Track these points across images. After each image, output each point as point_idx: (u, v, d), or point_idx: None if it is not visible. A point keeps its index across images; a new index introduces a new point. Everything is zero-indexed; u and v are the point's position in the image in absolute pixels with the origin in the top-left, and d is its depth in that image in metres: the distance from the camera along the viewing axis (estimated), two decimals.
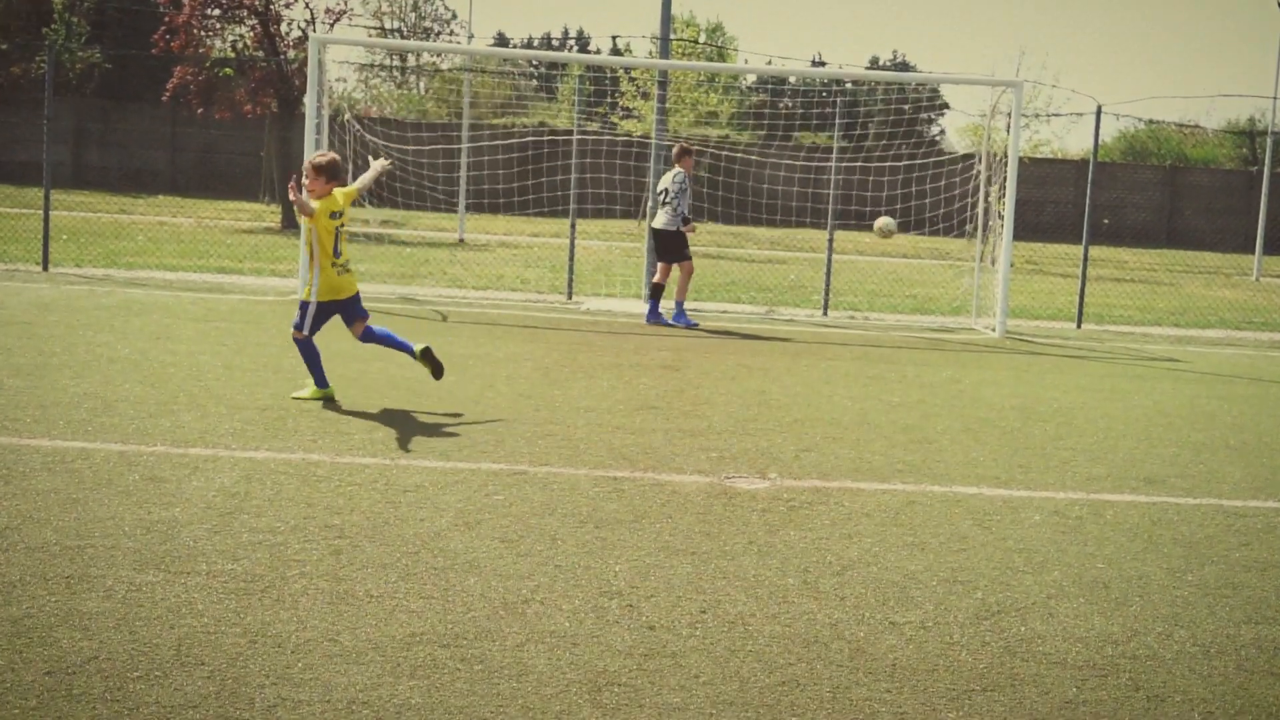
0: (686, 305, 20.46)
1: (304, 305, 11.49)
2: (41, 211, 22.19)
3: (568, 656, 5.79)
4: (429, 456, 9.46)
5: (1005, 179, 21.01)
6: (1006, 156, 21.24)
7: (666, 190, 19.32)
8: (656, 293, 19.59)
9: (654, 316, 19.42)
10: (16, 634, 5.67)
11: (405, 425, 10.51)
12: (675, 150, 19.63)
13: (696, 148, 40.82)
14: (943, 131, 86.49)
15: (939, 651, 6.11)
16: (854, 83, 60.87)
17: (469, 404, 11.61)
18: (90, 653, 5.53)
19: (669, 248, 19.36)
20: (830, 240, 23.14)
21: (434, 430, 10.38)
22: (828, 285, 22.67)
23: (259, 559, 6.89)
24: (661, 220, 19.36)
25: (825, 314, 22.00)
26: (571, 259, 22.76)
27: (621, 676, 5.61)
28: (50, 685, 5.19)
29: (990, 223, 22.17)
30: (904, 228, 26.40)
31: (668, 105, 25.36)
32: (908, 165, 30.14)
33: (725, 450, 10.25)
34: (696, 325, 19.19)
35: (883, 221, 19.12)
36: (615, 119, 46.90)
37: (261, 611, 6.12)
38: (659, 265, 19.63)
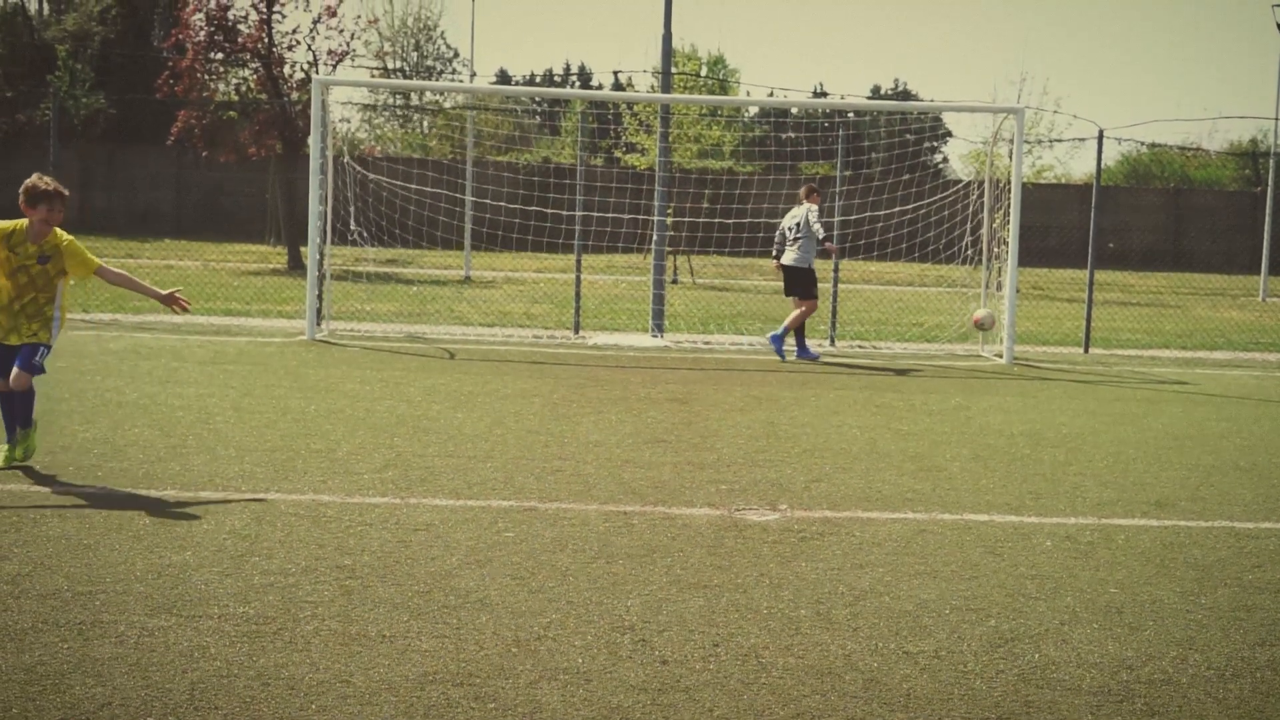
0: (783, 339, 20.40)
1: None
2: None
3: (581, 693, 5.78)
4: (438, 495, 9.46)
5: (1009, 205, 21.03)
6: (1010, 183, 21.28)
7: (796, 226, 19.71)
8: (802, 328, 19.92)
9: (803, 352, 19.77)
10: (30, 681, 5.66)
11: (414, 464, 10.51)
12: (804, 189, 20.16)
13: (697, 178, 41.01)
14: (945, 159, 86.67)
15: (953, 680, 6.09)
16: (856, 113, 61.01)
17: (477, 441, 11.61)
18: (104, 699, 5.52)
19: (798, 284, 19.75)
20: (835, 270, 23.16)
21: (443, 468, 10.38)
22: (834, 315, 22.69)
23: (271, 601, 6.88)
24: (790, 257, 19.79)
25: (832, 344, 22.01)
26: (578, 294, 22.79)
27: (635, 712, 5.60)
28: None
29: (995, 249, 22.19)
30: (908, 255, 26.33)
31: (671, 138, 25.42)
32: (912, 194, 30.18)
33: (735, 482, 10.24)
34: (783, 357, 19.52)
35: (983, 315, 20.38)
36: (619, 153, 47.02)
37: (274, 654, 6.11)
38: (807, 302, 19.84)
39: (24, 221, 9.72)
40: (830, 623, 6.87)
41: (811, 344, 20.49)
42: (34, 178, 9.78)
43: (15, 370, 9.77)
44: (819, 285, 20.06)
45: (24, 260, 9.72)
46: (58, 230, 9.87)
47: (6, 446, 9.87)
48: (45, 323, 9.94)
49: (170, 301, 10.13)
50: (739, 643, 6.50)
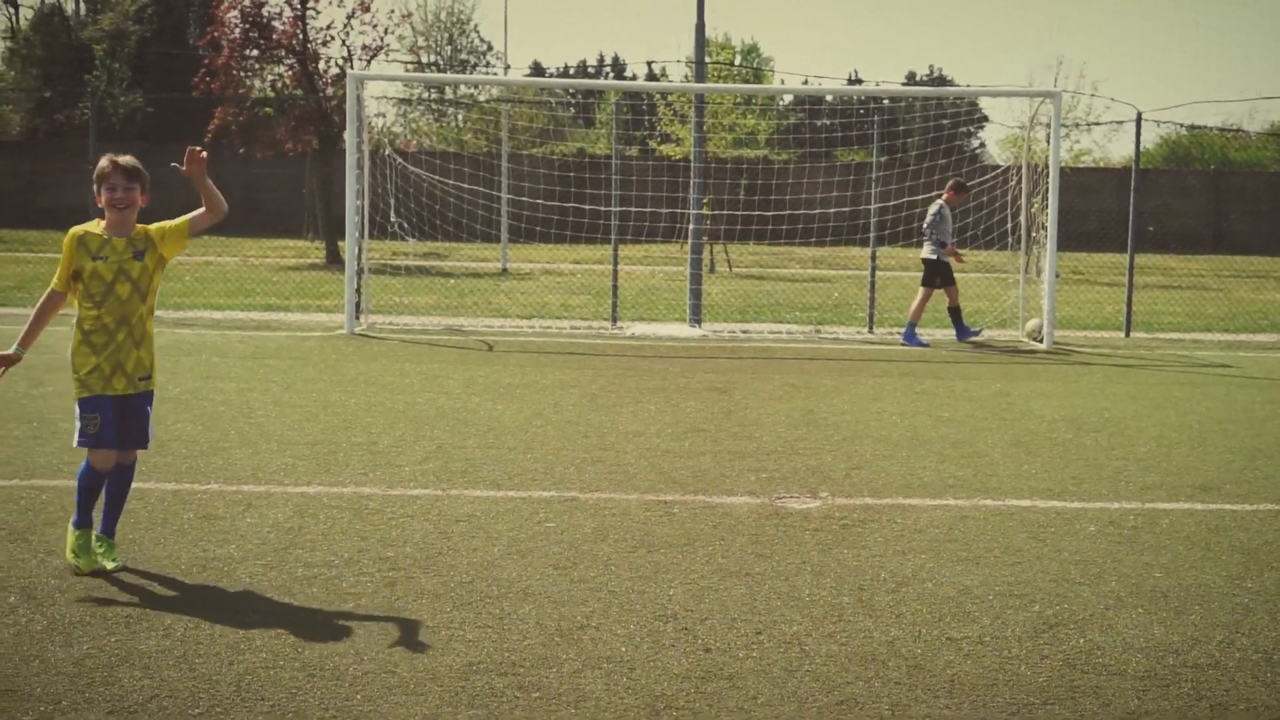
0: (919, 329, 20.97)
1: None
2: None
3: (625, 681, 5.79)
4: (479, 486, 9.49)
5: (1047, 190, 20.94)
6: (1047, 167, 21.17)
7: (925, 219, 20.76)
8: (955, 315, 20.71)
9: (963, 335, 20.63)
10: (79, 674, 5.71)
11: (455, 456, 10.54)
12: (951, 182, 21.03)
13: (732, 168, 40.92)
14: (982, 144, 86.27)
15: (997, 666, 6.08)
16: (891, 99, 60.82)
17: (517, 432, 11.63)
18: (151, 691, 5.56)
19: (931, 274, 20.56)
20: (873, 257, 23.09)
21: (484, 460, 10.40)
22: (872, 302, 22.63)
23: (314, 593, 6.92)
24: (925, 250, 20.69)
25: (871, 331, 21.95)
26: (615, 285, 22.79)
27: (679, 700, 5.60)
28: None
29: (1034, 234, 22.09)
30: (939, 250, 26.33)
31: (706, 128, 25.38)
32: (949, 179, 30.06)
33: (775, 471, 10.24)
34: (927, 345, 20.00)
35: (1033, 325, 20.75)
36: (654, 144, 46.97)
37: (319, 645, 6.14)
38: (949, 290, 20.64)
39: (95, 224, 7.43)
40: (873, 609, 6.86)
41: (878, 332, 20.47)
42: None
43: (127, 451, 7.53)
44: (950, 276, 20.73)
45: (120, 262, 7.31)
46: (139, 226, 7.54)
47: (102, 546, 7.36)
48: (151, 351, 7.53)
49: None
50: (781, 630, 6.50)
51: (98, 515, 7.46)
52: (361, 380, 14.63)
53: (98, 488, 7.42)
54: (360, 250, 20.62)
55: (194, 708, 5.40)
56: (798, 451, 11.04)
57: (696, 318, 22.33)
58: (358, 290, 20.43)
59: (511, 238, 37.44)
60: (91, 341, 7.29)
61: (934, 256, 20.49)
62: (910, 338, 20.31)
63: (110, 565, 7.22)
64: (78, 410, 7.29)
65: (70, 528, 7.37)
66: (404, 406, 12.90)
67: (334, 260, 35.71)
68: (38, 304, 7.40)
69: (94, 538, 7.36)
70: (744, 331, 21.61)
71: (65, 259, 7.34)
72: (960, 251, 20.92)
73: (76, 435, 7.30)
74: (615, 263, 23.04)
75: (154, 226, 7.53)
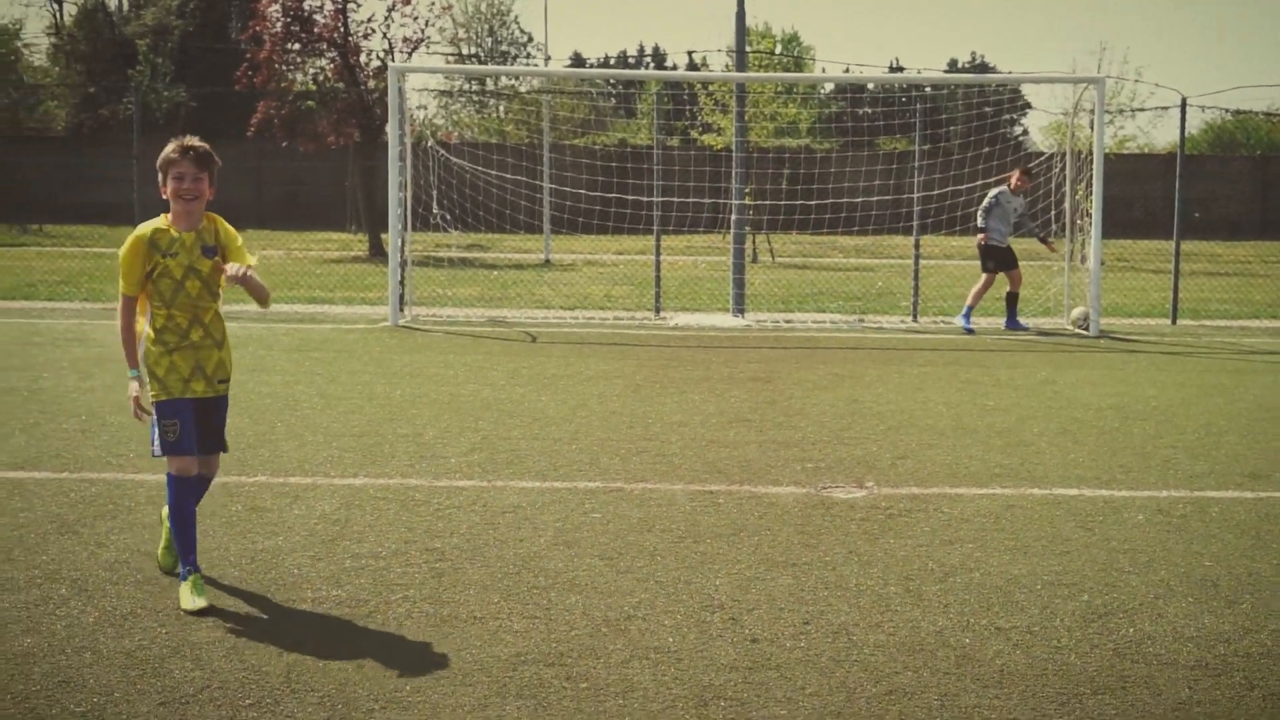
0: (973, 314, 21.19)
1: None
2: None
3: (672, 672, 5.79)
4: (525, 477, 9.50)
5: (1091, 176, 20.83)
6: (1091, 154, 21.06)
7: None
8: (1010, 302, 20.83)
9: (1012, 324, 20.70)
10: (130, 665, 5.75)
11: (500, 447, 10.56)
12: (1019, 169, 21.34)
13: (774, 157, 40.85)
14: (1025, 131, 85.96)
15: (1047, 656, 6.05)
16: (933, 87, 60.58)
17: (561, 423, 11.65)
18: (202, 682, 5.59)
19: (984, 259, 20.75)
20: (916, 245, 23.02)
21: (529, 451, 10.42)
22: (916, 291, 22.55)
23: (362, 584, 6.94)
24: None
25: (915, 319, 21.87)
26: (658, 275, 22.78)
27: (727, 690, 5.60)
28: (165, 715, 5.26)
29: (1078, 221, 21.97)
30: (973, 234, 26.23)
31: (747, 117, 25.32)
32: (993, 167, 29.91)
33: (821, 460, 10.22)
34: (971, 332, 20.15)
35: (1079, 312, 20.68)
36: (695, 133, 46.92)
37: (367, 636, 6.17)
38: (1009, 275, 20.75)
39: (160, 218, 6.86)
40: (920, 599, 6.84)
41: (924, 319, 20.43)
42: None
43: (207, 459, 7.06)
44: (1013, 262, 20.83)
45: (190, 259, 6.77)
46: (208, 216, 6.94)
47: (191, 580, 6.66)
48: (230, 353, 7.09)
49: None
50: (829, 620, 6.49)
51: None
52: (406, 372, 14.67)
53: (189, 509, 6.77)
54: (403, 242, 20.67)
55: (244, 699, 5.43)
56: (843, 441, 11.01)
57: (740, 308, 22.29)
58: (401, 282, 20.49)
59: (554, 229, 37.48)
60: (164, 340, 6.75)
61: (992, 243, 20.57)
62: (964, 318, 20.51)
63: (201, 603, 6.51)
64: (155, 415, 6.75)
65: (181, 582, 6.65)
66: (449, 398, 12.93)
67: (377, 253, 35.82)
68: (119, 320, 6.80)
69: (192, 580, 6.61)
70: (787, 321, 21.57)
71: (134, 263, 6.69)
72: (1005, 239, 20.90)
73: (154, 443, 6.77)
74: (658, 253, 23.03)
75: (224, 226, 6.90)
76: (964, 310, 20.64)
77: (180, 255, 6.75)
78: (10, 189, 47.18)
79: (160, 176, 6.74)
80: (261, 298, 6.90)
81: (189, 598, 6.54)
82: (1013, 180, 20.76)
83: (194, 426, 6.84)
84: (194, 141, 6.77)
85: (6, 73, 61.28)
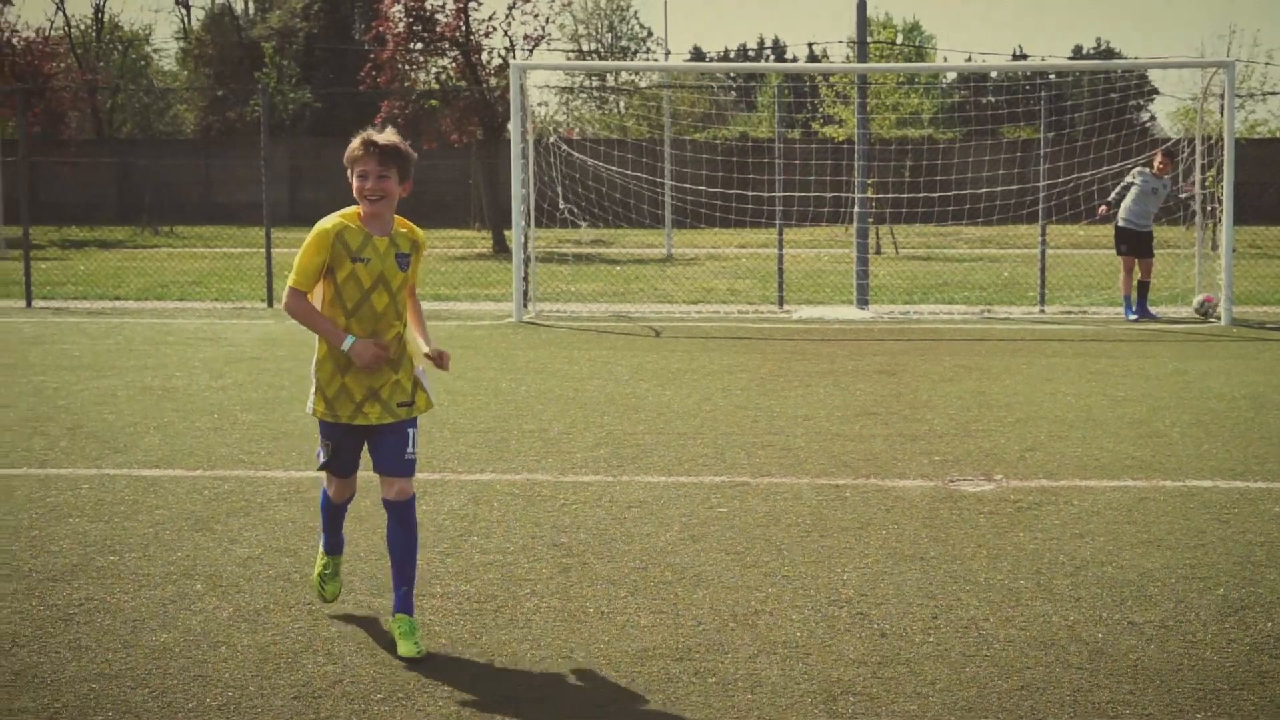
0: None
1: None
2: (263, 250, 22.89)
3: (801, 667, 5.77)
4: (651, 472, 9.52)
5: (1221, 162, 20.46)
6: (1222, 139, 20.68)
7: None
8: (1140, 290, 20.51)
9: (1142, 312, 20.37)
10: (264, 660, 5.84)
11: (625, 442, 10.58)
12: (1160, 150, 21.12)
13: (896, 148, 40.54)
14: (1153, 118, 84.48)
15: (1182, 651, 5.95)
16: (1057, 74, 59.81)
17: (686, 417, 11.65)
18: (335, 676, 5.67)
19: (1118, 242, 20.52)
20: (1042, 235, 22.74)
21: (654, 445, 10.43)
22: (1043, 281, 22.28)
23: (490, 580, 7.00)
24: (1119, 218, 20.61)
25: (1042, 310, 21.61)
26: (780, 268, 22.70)
27: (856, 685, 5.57)
28: (298, 709, 5.34)
29: (1209, 208, 21.59)
30: (1097, 211, 25.89)
31: (869, 108, 25.18)
32: (1119, 153, 29.47)
33: (948, 453, 10.13)
34: (1135, 318, 20.09)
35: (1201, 303, 20.39)
36: (816, 125, 46.74)
37: (496, 631, 6.21)
38: (1140, 263, 20.51)
39: (351, 211, 6.14)
40: (1051, 593, 6.76)
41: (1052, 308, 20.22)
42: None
43: (388, 479, 6.19)
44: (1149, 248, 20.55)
45: (382, 267, 6.06)
46: (398, 218, 6.25)
47: (401, 627, 6.04)
48: (410, 371, 6.27)
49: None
50: (958, 614, 6.44)
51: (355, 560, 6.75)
52: (531, 368, 14.75)
53: (338, 514, 6.48)
54: (527, 239, 20.78)
55: (376, 693, 5.50)
56: (970, 433, 10.91)
57: (864, 300, 22.16)
58: (525, 278, 20.60)
59: (676, 223, 37.50)
60: (338, 356, 6.05)
61: (1131, 227, 20.28)
62: (1128, 311, 20.24)
63: (411, 651, 5.87)
64: (319, 430, 6.28)
65: (320, 551, 6.53)
66: (573, 393, 12.99)
67: (501, 249, 36.06)
68: (294, 311, 6.06)
69: (393, 621, 6.08)
70: (913, 313, 21.41)
71: (313, 256, 5.96)
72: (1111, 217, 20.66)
73: (319, 455, 6.31)
74: (780, 246, 22.96)
75: (419, 235, 6.27)
76: (1126, 305, 20.37)
77: (373, 262, 6.01)
78: (141, 192, 48.10)
79: (348, 172, 6.04)
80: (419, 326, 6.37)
81: (315, 576, 6.52)
82: (1155, 163, 20.40)
83: (354, 452, 6.26)
84: (378, 135, 6.04)
85: (136, 78, 62.52)
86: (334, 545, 6.50)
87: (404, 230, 6.19)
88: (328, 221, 6.02)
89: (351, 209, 6.11)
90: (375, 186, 5.97)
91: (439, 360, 6.23)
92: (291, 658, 5.87)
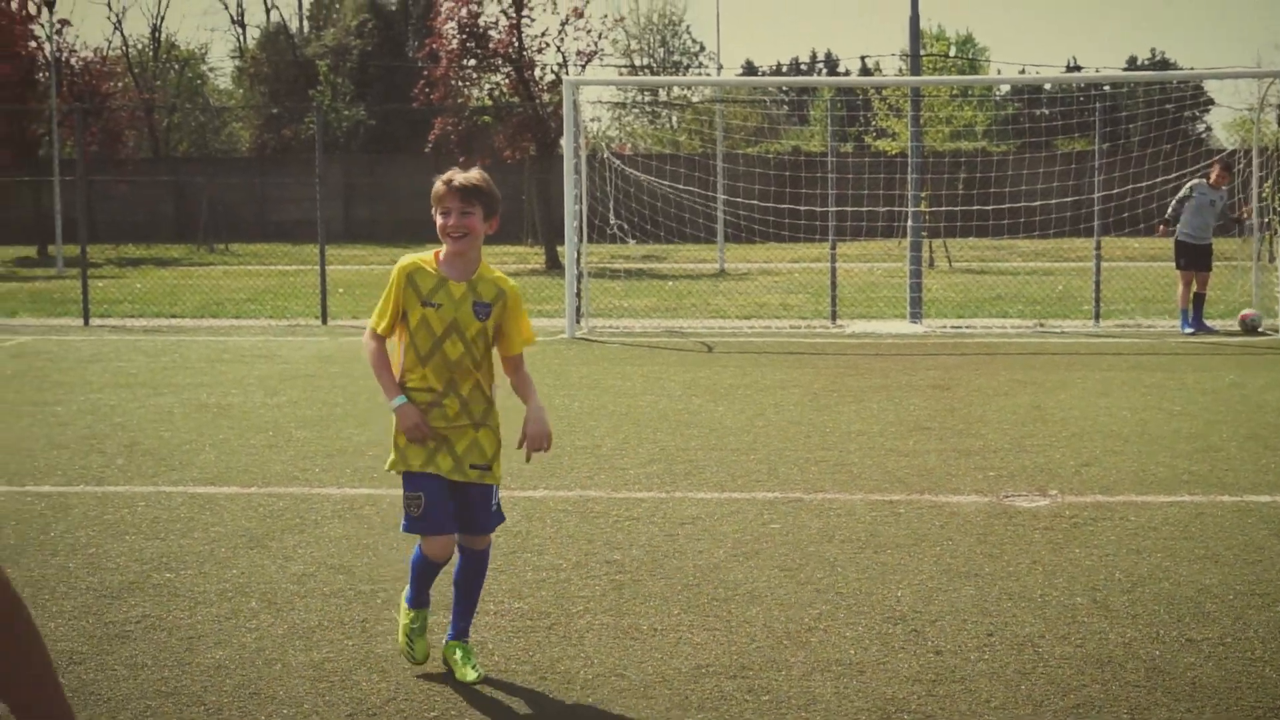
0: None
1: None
2: (318, 267, 23.01)
3: (855, 684, 5.75)
4: (703, 488, 9.51)
5: (1278, 173, 20.30)
6: (1278, 150, 20.52)
7: None
8: (1196, 302, 20.40)
9: (1198, 325, 20.20)
10: (319, 677, 5.86)
11: (678, 458, 10.58)
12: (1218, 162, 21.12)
13: (950, 161, 40.39)
14: (1209, 128, 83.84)
15: (1241, 669, 5.89)
16: (1112, 85, 59.47)
17: (739, 433, 11.63)
18: (389, 694, 5.68)
19: (1176, 256, 20.46)
20: (1097, 247, 22.60)
21: (706, 461, 10.43)
22: (1098, 294, 22.13)
23: (544, 596, 7.00)
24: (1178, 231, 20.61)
25: (1097, 323, 21.47)
26: (833, 282, 22.65)
27: (911, 703, 5.54)
28: None
29: (1266, 219, 21.42)
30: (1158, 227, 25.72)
31: (921, 121, 25.12)
32: (1174, 164, 29.26)
33: (1002, 468, 10.07)
34: (1191, 331, 19.93)
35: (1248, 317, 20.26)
36: (869, 139, 46.62)
37: (549, 648, 6.22)
38: (1197, 276, 20.42)
39: (431, 253, 5.98)
40: (1108, 610, 6.71)
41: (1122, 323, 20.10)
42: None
43: (469, 534, 6.00)
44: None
45: (456, 314, 5.86)
46: (488, 266, 6.08)
47: (458, 653, 5.98)
48: (492, 431, 6.18)
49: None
50: (1014, 632, 6.40)
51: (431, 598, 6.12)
52: (583, 384, 14.77)
53: (433, 572, 6.01)
54: (579, 254, 20.83)
55: (429, 711, 5.51)
56: (1025, 448, 10.85)
57: (917, 314, 22.08)
58: (578, 294, 20.64)
59: (728, 238, 37.49)
60: (413, 402, 5.85)
61: (1182, 238, 20.22)
62: (1184, 325, 20.09)
63: (471, 676, 5.83)
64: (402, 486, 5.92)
65: (402, 602, 6.09)
66: (626, 409, 13.00)
67: (553, 265, 36.13)
68: (370, 355, 5.90)
69: (450, 645, 5.99)
70: (966, 327, 21.32)
71: (389, 296, 5.86)
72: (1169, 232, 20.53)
73: (402, 519, 5.95)
74: (833, 260, 22.91)
75: (508, 287, 6.05)
76: (1182, 319, 20.24)
77: (444, 307, 5.81)
78: (197, 209, 48.49)
79: (432, 211, 5.90)
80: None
81: (401, 633, 6.03)
82: (1212, 175, 20.29)
83: (445, 499, 5.83)
84: (460, 174, 5.88)
85: (193, 97, 63.04)
86: (422, 599, 6.03)
87: (490, 278, 5.97)
88: (404, 260, 5.90)
89: (429, 251, 5.95)
90: (458, 223, 5.80)
91: (526, 443, 6.12)
92: (346, 675, 5.90)
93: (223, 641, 6.33)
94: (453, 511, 5.84)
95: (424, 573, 5.97)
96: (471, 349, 5.87)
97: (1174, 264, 20.50)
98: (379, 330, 5.88)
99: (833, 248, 23.00)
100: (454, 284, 5.84)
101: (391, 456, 5.90)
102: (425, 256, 5.90)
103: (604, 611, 6.74)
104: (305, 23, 71.81)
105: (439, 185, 5.86)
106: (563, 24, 37.95)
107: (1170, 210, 20.30)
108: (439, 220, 5.83)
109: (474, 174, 5.90)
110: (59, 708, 4.10)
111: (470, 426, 5.93)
